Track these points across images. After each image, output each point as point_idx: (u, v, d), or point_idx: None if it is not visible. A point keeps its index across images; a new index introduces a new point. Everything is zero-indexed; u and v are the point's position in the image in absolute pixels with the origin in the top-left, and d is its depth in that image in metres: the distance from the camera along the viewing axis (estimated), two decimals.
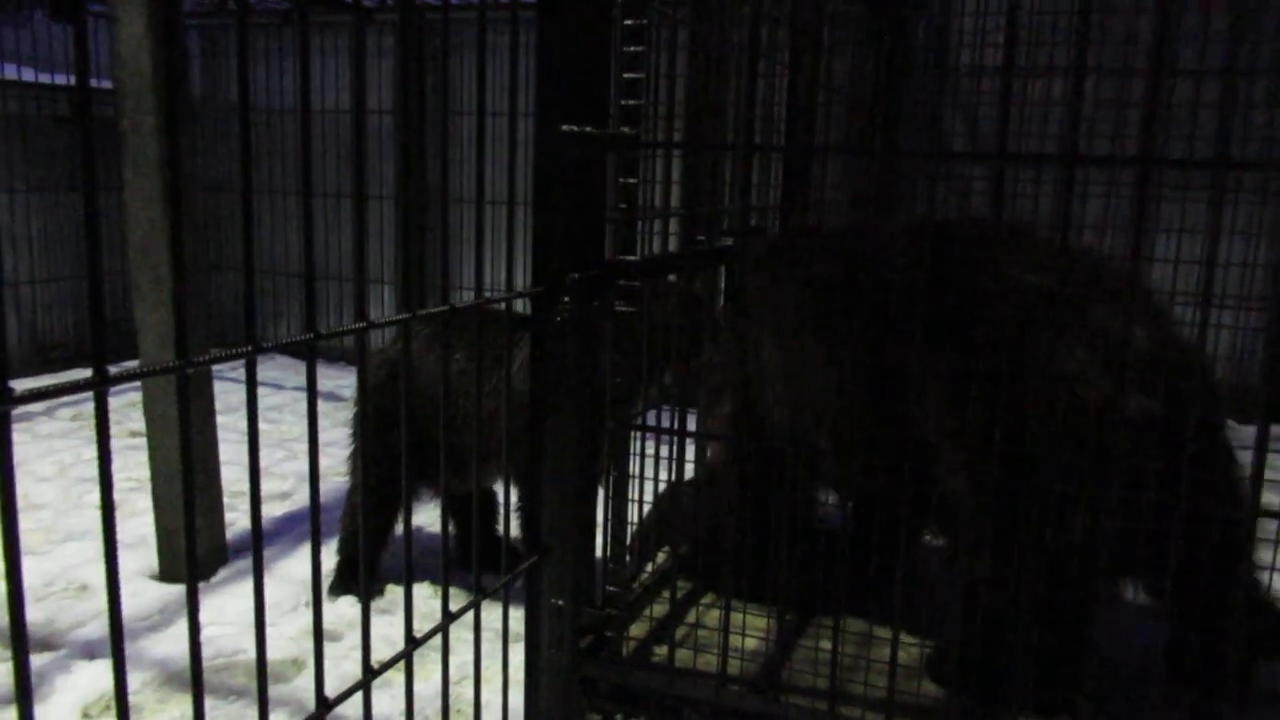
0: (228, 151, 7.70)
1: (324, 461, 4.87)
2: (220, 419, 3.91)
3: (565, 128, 2.03)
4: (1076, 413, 2.09)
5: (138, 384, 4.58)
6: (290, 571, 3.76)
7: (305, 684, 2.98)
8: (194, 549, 1.27)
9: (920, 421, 2.24)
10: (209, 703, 2.85)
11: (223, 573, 3.78)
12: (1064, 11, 4.28)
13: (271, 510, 4.49)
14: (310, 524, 1.46)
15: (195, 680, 1.23)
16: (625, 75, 2.12)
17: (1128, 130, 3.00)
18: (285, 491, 4.76)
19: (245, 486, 1.23)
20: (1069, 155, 1.84)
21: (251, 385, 1.30)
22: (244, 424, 1.31)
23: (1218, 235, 1.80)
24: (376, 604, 3.52)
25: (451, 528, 3.85)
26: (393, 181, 7.17)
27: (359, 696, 1.59)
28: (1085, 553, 2.16)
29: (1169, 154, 2.14)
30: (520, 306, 3.14)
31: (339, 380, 6.91)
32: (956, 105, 5.53)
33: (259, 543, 1.35)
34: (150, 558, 3.77)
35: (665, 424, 2.41)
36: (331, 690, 1.51)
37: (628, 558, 2.45)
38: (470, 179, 6.88)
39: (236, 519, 4.14)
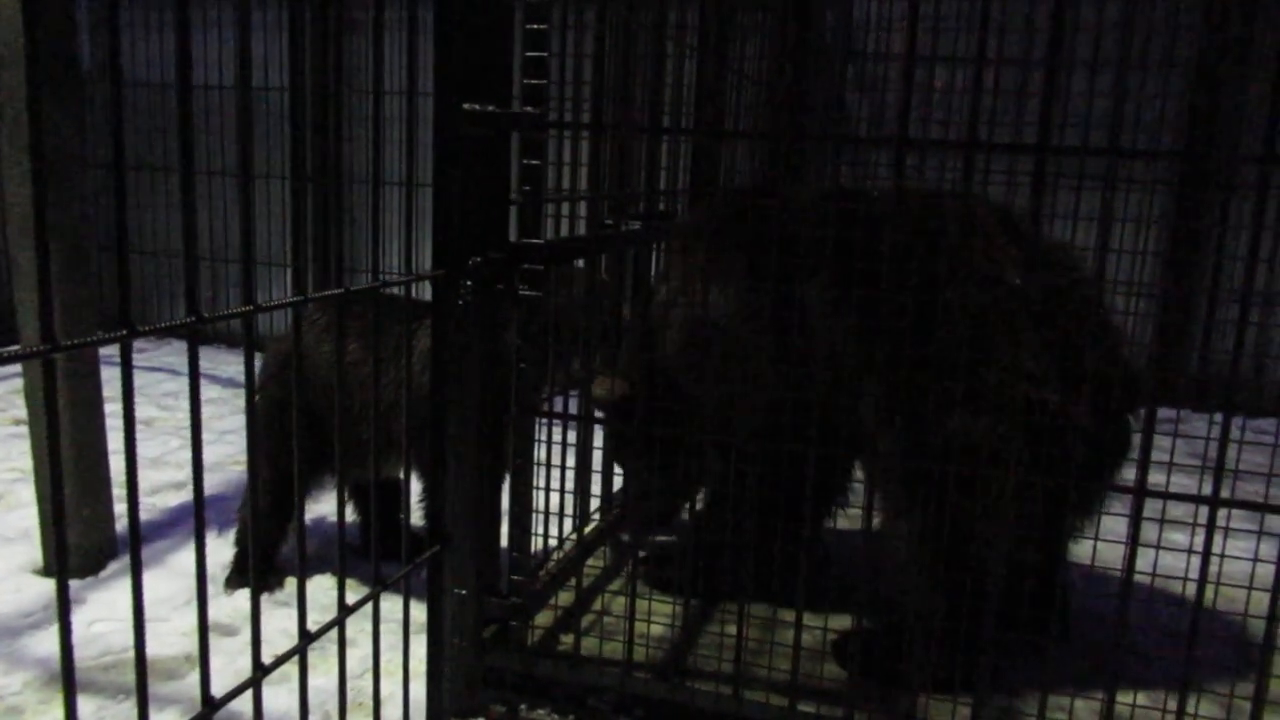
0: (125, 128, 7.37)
1: (223, 450, 4.73)
2: (111, 406, 3.74)
3: (466, 106, 1.97)
4: (1034, 412, 2.12)
5: (19, 370, 4.36)
6: (184, 564, 3.63)
7: (198, 680, 2.88)
8: (64, 544, 1.20)
9: (855, 411, 2.25)
10: (97, 703, 2.73)
11: (113, 566, 3.63)
12: None
13: (165, 500, 4.33)
14: (195, 516, 1.40)
15: (67, 683, 1.17)
16: (528, 54, 2.08)
17: (1028, 119, 3.06)
18: (180, 481, 4.59)
19: (139, 477, 1.20)
20: (969, 142, 1.86)
21: (127, 370, 1.24)
22: (136, 412, 1.25)
23: (1109, 223, 1.83)
24: (276, 596, 3.42)
25: (356, 516, 3.76)
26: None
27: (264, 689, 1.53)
28: (992, 536, 2.20)
29: (1066, 143, 2.21)
30: (420, 292, 3.05)
31: (239, 366, 6.70)
32: (862, 90, 5.59)
33: (136, 535, 1.29)
34: (34, 552, 3.60)
35: (571, 410, 2.38)
36: (225, 687, 1.46)
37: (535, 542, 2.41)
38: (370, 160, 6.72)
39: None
